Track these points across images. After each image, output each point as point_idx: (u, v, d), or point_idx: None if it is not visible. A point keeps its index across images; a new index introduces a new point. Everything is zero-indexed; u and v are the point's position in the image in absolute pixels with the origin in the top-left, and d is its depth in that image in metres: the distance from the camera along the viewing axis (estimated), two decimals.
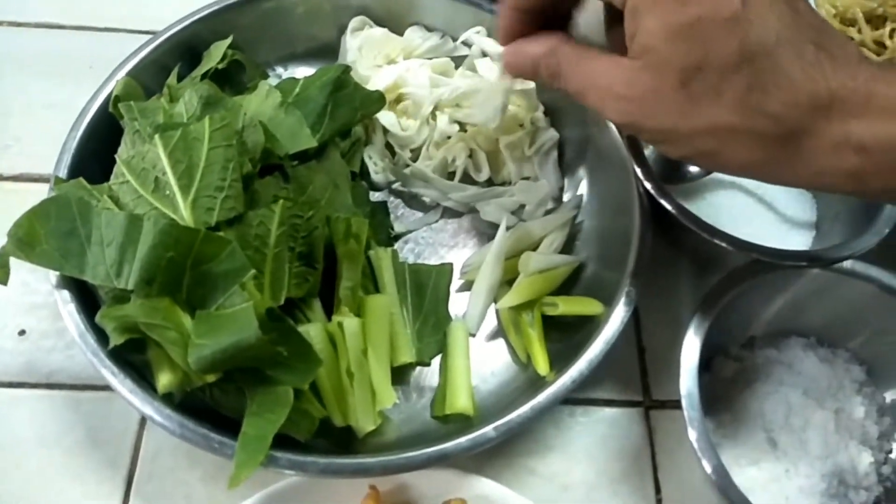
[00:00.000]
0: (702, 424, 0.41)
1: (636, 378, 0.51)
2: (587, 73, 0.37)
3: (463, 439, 0.40)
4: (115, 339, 0.39)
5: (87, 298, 0.43)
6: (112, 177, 0.44)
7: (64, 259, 0.40)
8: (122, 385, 0.40)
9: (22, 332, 0.48)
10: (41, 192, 0.45)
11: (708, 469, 0.40)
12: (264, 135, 0.45)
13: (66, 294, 0.42)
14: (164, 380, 0.40)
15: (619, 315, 0.46)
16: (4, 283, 0.41)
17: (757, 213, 0.55)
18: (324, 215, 0.45)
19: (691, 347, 0.44)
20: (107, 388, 0.46)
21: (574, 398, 0.49)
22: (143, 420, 0.46)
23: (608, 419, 0.49)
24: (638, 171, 0.49)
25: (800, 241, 0.54)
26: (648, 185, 0.48)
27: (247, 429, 0.38)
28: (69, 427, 0.45)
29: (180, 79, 0.53)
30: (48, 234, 0.41)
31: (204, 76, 0.52)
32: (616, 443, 0.48)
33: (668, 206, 0.47)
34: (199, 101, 0.46)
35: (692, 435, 0.41)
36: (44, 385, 0.46)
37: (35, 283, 0.50)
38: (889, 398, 0.48)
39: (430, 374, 0.49)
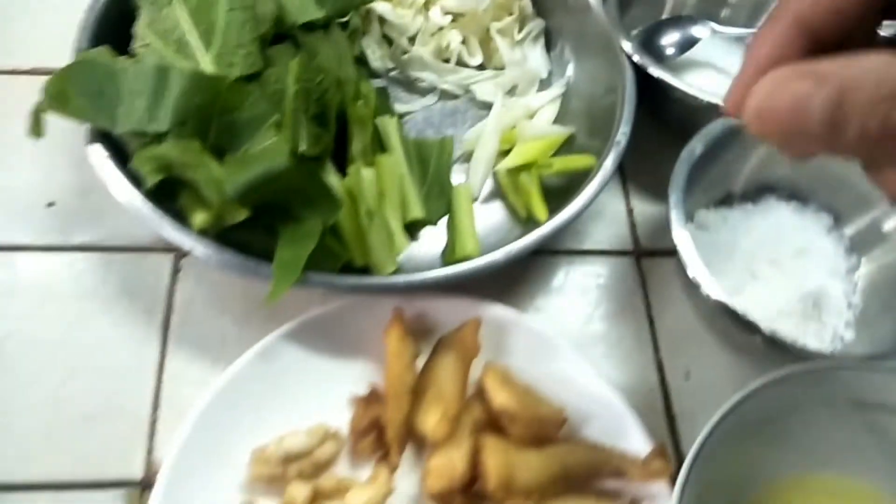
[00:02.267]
0: (697, 262, 0.45)
1: (626, 232, 0.55)
2: None
3: (477, 263, 0.44)
4: (151, 179, 0.42)
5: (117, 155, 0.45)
6: (133, 42, 0.47)
7: (96, 112, 0.43)
8: (163, 221, 0.42)
9: (50, 204, 0.51)
10: None
11: (711, 295, 0.44)
12: (275, 4, 0.48)
13: (98, 147, 0.44)
14: (199, 218, 0.43)
15: (606, 168, 0.49)
16: (39, 135, 0.43)
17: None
18: (334, 79, 0.48)
19: (676, 200, 0.48)
20: (137, 249, 0.50)
21: (571, 249, 0.53)
22: (175, 274, 0.49)
23: (603, 267, 0.53)
24: (627, 47, 0.53)
25: None
26: (637, 59, 0.53)
27: (280, 254, 0.42)
28: (103, 283, 0.48)
29: None
30: (80, 91, 0.43)
31: None
32: (612, 286, 0.52)
33: (659, 73, 0.52)
34: None
35: (691, 271, 0.45)
36: (76, 248, 0.49)
37: (59, 157, 0.52)
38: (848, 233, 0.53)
39: (438, 237, 0.52)
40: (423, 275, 0.43)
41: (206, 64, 0.44)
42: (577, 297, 0.51)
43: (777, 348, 0.43)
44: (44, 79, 0.42)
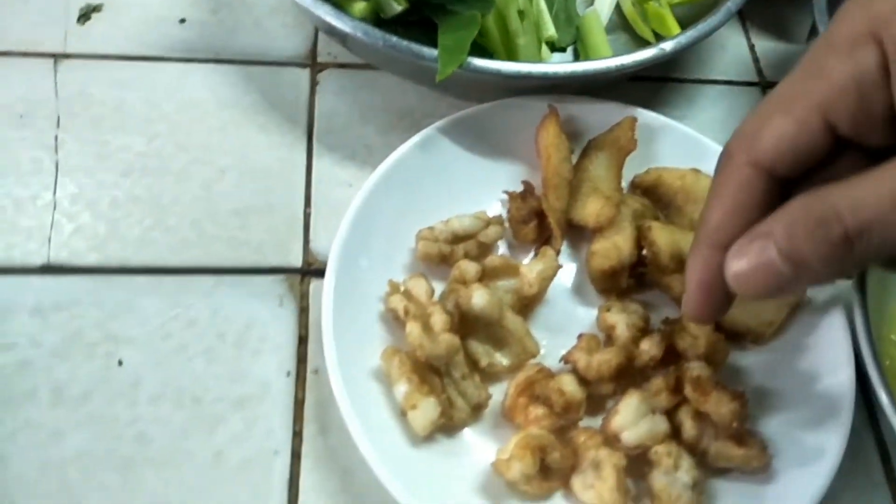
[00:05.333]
0: None
1: (750, 66, 0.55)
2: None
3: (637, 56, 0.44)
4: None
5: None
6: None
7: None
8: (325, 8, 0.42)
9: (182, 21, 0.50)
10: None
11: None
12: None
13: None
14: (359, 6, 0.43)
15: None
16: None
17: None
18: None
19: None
20: (274, 63, 0.50)
21: (699, 78, 0.54)
22: (314, 85, 0.49)
23: (730, 97, 0.53)
24: None
25: None
26: None
27: (443, 41, 0.42)
28: (244, 93, 0.48)
29: None
30: None
31: None
32: (741, 115, 0.52)
33: None
34: None
35: None
36: (213, 60, 0.49)
37: None
38: None
39: None
40: (585, 66, 0.43)
41: None
42: (707, 124, 0.52)
43: None
44: None
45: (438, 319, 0.36)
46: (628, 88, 0.50)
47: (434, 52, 0.41)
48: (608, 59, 0.44)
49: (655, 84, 0.53)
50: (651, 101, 0.52)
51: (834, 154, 0.28)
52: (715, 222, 0.29)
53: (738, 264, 0.27)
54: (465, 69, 0.41)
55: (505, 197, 0.44)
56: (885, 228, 0.24)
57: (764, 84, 0.54)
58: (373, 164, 0.43)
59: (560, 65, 0.43)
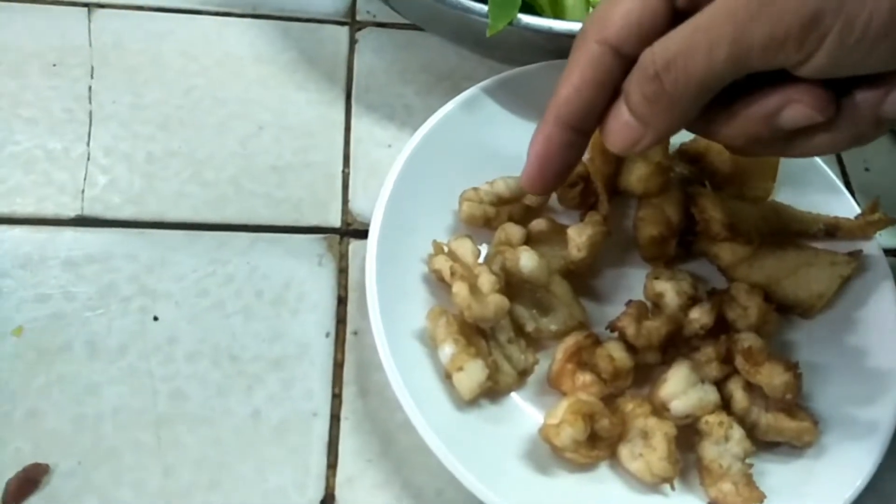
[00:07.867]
0: None
1: None
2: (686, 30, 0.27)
3: None
4: None
5: None
6: None
7: None
8: None
9: None
10: None
11: None
12: None
13: None
14: None
15: None
16: None
17: None
18: None
19: None
20: (313, 20, 0.49)
21: None
22: (353, 44, 0.48)
23: None
24: None
25: None
26: None
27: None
28: (282, 49, 0.47)
29: None
30: None
31: None
32: None
33: None
34: None
35: None
36: (250, 15, 0.48)
37: None
38: None
39: None
40: None
41: None
42: None
43: None
44: None
45: (486, 280, 0.35)
46: None
47: (484, 8, 0.40)
48: None
49: None
50: None
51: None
52: (562, 98, 0.31)
53: (607, 125, 0.31)
54: (516, 26, 0.40)
55: None
56: (686, 60, 0.27)
57: None
58: (412, 125, 0.42)
59: None
